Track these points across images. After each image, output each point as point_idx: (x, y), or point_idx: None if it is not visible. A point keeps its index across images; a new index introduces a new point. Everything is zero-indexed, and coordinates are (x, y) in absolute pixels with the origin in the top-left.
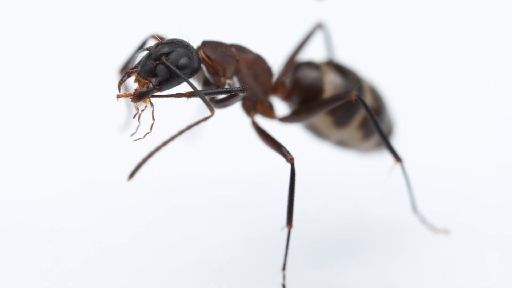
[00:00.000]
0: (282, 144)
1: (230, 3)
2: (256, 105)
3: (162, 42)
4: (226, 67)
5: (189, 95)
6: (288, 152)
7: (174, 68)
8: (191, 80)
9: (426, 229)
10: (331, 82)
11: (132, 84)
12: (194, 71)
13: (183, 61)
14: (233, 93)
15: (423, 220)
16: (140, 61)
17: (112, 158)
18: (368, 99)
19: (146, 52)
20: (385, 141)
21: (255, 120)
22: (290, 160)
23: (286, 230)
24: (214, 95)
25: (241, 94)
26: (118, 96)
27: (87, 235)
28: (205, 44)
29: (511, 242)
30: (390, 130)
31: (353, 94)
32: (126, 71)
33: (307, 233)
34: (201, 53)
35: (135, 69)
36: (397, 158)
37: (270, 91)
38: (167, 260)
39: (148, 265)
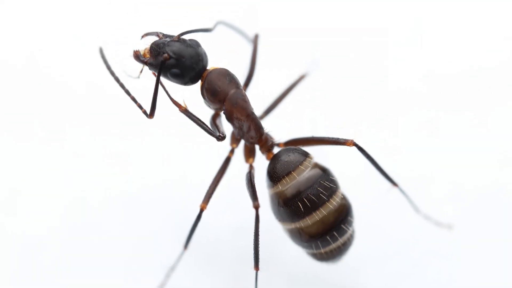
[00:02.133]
0: (255, 189)
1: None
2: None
3: (184, 41)
4: (211, 101)
5: (184, 110)
6: (256, 199)
7: (167, 74)
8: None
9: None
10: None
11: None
12: (185, 83)
13: (176, 71)
14: (208, 131)
15: (427, 217)
16: (163, 40)
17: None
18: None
19: (172, 40)
20: (382, 172)
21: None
22: (256, 206)
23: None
24: (193, 121)
25: (216, 136)
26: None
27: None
28: (215, 69)
29: None
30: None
31: (352, 143)
32: (156, 32)
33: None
34: (205, 73)
35: (157, 38)
36: (394, 183)
37: (255, 143)
38: None
39: None
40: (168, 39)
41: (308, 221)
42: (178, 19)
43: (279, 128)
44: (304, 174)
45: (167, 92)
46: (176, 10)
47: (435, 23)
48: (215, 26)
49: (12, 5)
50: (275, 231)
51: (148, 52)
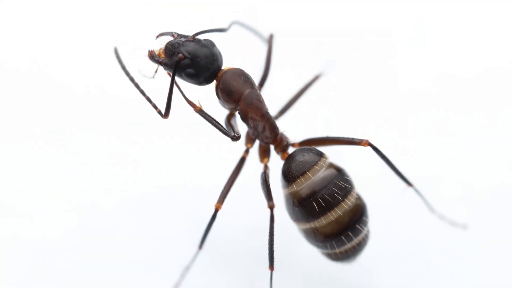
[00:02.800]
0: (270, 189)
1: None
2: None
3: (199, 41)
4: (226, 101)
5: (199, 110)
6: (271, 199)
7: (182, 74)
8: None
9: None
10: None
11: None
12: (200, 83)
13: (191, 71)
14: (223, 131)
15: (442, 217)
16: (178, 40)
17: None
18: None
19: (187, 40)
20: (397, 172)
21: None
22: (271, 206)
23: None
24: (208, 121)
25: (230, 136)
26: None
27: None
28: (230, 69)
29: None
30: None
31: (366, 143)
32: (171, 32)
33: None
34: (220, 73)
35: (171, 38)
36: (408, 183)
37: (270, 143)
38: None
39: None
40: (183, 39)
41: (323, 221)
42: (178, 19)
43: (294, 128)
44: (319, 174)
45: (182, 92)
46: (176, 10)
47: (444, 23)
48: (230, 26)
49: (12, 5)
50: (289, 231)
51: (163, 52)
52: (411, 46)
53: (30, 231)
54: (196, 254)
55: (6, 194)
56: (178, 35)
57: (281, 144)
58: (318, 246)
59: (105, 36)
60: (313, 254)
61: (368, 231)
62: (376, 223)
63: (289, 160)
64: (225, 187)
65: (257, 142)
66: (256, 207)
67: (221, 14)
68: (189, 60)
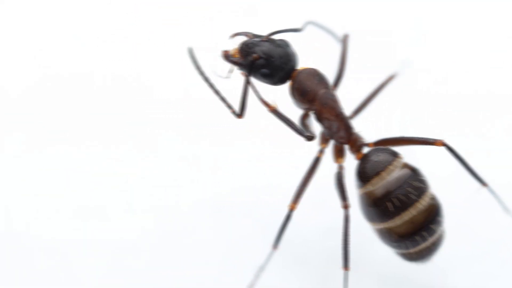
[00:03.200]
0: (345, 189)
1: None
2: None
3: (274, 41)
4: (301, 101)
5: (273, 110)
6: (345, 198)
7: (257, 74)
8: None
9: None
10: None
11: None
12: (274, 83)
13: (265, 71)
14: (298, 130)
15: None
16: (252, 40)
17: None
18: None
19: (262, 40)
20: (472, 172)
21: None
22: (345, 206)
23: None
24: (282, 121)
25: (305, 136)
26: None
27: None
28: (305, 69)
29: None
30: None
31: (441, 143)
32: (246, 32)
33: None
34: (295, 73)
35: (246, 39)
36: (483, 183)
37: (345, 143)
38: None
39: None
40: (257, 39)
41: (397, 221)
42: (178, 19)
43: (368, 128)
44: (394, 174)
45: (256, 92)
46: (176, 10)
47: (445, 22)
48: (304, 26)
49: (12, 5)
50: (363, 231)
51: (237, 52)
52: (412, 46)
53: (107, 232)
54: (271, 254)
55: (82, 196)
56: (253, 35)
57: (356, 144)
58: (392, 246)
59: (105, 36)
60: (387, 254)
61: (443, 231)
62: (450, 223)
63: (363, 160)
64: (299, 187)
65: (331, 142)
66: (331, 207)
67: (221, 14)
68: (264, 60)
